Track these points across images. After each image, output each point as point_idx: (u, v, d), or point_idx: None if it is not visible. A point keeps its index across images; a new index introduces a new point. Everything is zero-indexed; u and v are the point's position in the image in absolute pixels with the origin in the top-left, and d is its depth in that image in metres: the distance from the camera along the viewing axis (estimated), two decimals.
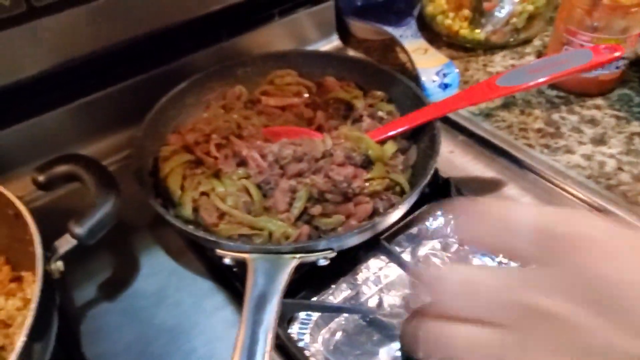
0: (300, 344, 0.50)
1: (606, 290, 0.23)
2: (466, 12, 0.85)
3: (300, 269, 0.48)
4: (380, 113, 0.64)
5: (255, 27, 0.80)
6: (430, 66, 0.76)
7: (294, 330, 0.51)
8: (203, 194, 0.56)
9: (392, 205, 0.54)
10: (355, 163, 0.57)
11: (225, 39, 0.78)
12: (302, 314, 0.52)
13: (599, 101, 0.75)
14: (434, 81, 0.75)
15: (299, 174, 0.56)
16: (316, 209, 0.53)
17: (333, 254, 0.49)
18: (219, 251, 0.49)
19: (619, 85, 0.76)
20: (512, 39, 0.86)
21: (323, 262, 0.49)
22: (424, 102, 0.61)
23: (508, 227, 0.26)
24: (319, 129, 0.64)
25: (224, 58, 0.78)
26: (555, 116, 0.73)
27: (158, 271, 0.57)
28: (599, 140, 0.69)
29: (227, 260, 0.49)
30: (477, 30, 0.85)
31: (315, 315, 0.52)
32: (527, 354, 0.24)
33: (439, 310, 0.27)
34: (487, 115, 0.74)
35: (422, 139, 0.60)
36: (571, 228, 0.24)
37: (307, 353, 0.49)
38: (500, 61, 0.84)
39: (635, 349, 0.22)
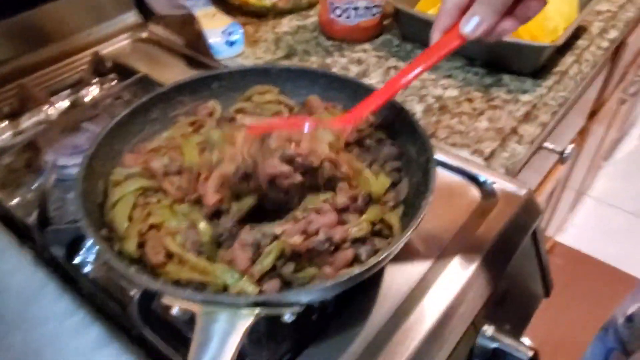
0: (86, 270, 0.54)
1: None
2: None
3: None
4: (368, 141, 0.55)
5: (50, 0, 0.81)
6: (217, 27, 0.83)
7: (78, 259, 0.55)
8: (152, 227, 0.47)
9: (377, 252, 0.46)
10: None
11: (18, 11, 0.77)
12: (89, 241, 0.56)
13: (366, 46, 0.88)
14: (219, 40, 0.82)
15: (273, 178, 0.46)
16: (287, 268, 0.45)
17: (301, 309, 0.42)
18: (164, 300, 0.42)
19: (383, 33, 0.90)
20: (297, 5, 0.96)
21: (289, 318, 0.42)
22: (415, 128, 0.52)
23: None
24: None
25: (16, 32, 0.79)
26: (329, 60, 0.84)
27: None
28: (362, 75, 0.81)
29: (175, 311, 0.43)
30: None
31: None
32: None
33: None
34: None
35: (414, 172, 0.53)
36: None
37: (92, 278, 0.53)
38: (287, 23, 0.95)
39: None
